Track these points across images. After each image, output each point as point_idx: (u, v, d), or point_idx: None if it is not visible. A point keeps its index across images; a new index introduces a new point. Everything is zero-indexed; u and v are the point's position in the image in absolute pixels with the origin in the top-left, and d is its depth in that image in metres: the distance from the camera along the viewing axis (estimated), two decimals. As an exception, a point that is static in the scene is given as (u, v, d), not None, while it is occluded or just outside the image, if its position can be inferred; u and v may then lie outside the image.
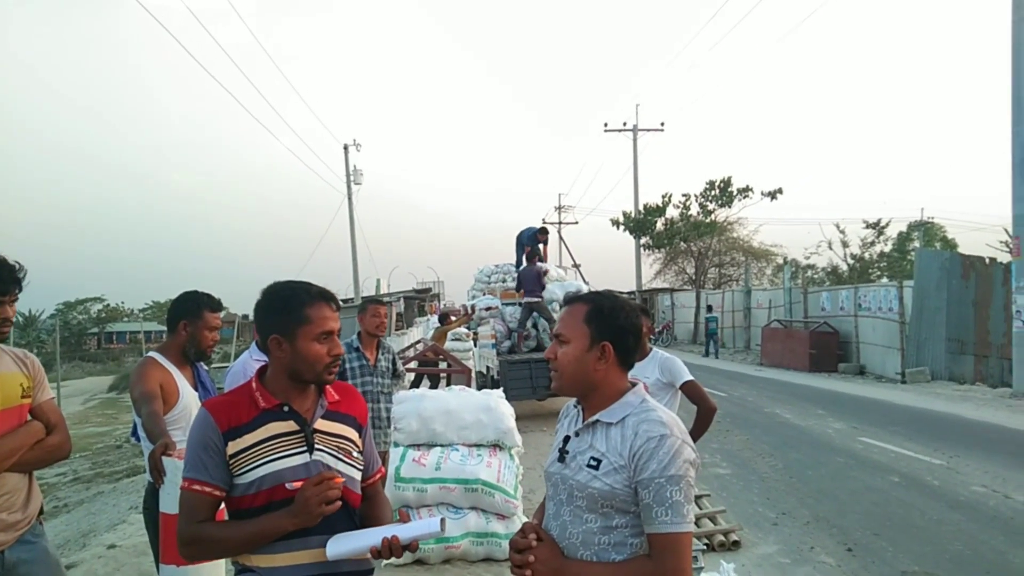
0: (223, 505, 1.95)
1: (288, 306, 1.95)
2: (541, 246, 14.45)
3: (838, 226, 33.90)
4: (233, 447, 1.88)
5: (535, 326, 13.30)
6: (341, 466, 1.99)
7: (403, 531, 1.88)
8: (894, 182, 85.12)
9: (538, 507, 2.10)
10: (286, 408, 1.95)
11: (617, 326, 1.88)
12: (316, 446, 1.95)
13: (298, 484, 1.87)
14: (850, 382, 17.79)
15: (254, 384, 1.98)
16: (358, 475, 2.05)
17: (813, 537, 6.04)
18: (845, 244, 33.96)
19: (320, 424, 1.99)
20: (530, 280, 12.86)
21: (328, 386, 2.05)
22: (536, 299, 12.68)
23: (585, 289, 6.15)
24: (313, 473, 1.92)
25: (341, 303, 2.21)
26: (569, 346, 1.88)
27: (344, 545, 1.87)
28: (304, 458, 1.94)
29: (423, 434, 5.57)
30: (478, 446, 5.63)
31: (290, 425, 1.94)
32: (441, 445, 5.58)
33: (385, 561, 1.88)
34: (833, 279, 34.20)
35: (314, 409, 2.00)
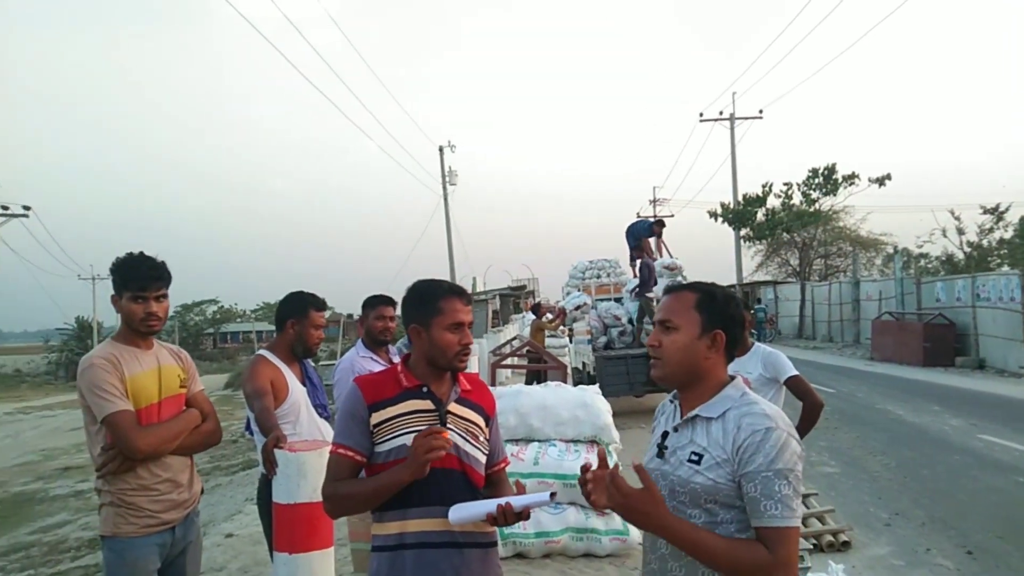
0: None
1: (425, 299, 2.21)
2: (654, 239, 14.29)
3: (952, 212, 31.87)
4: (376, 418, 2.13)
5: (630, 320, 13.14)
6: (468, 447, 2.19)
7: (516, 500, 2.05)
8: (1013, 163, 79.48)
9: None
10: (425, 389, 2.19)
11: (729, 315, 1.87)
12: (447, 425, 2.16)
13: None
14: (968, 376, 16.82)
15: (399, 367, 2.24)
16: (483, 458, 2.25)
17: (929, 539, 5.77)
18: (961, 231, 31.86)
19: (453, 407, 2.21)
20: (652, 275, 12.87)
21: (462, 376, 2.27)
22: (650, 296, 12.56)
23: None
24: None
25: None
26: (678, 332, 1.84)
27: (464, 512, 2.06)
28: None
29: (520, 429, 5.64)
30: (575, 442, 5.64)
31: (427, 404, 2.18)
32: (539, 440, 5.62)
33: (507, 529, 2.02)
34: (948, 268, 32.29)
35: (449, 394, 2.23)
